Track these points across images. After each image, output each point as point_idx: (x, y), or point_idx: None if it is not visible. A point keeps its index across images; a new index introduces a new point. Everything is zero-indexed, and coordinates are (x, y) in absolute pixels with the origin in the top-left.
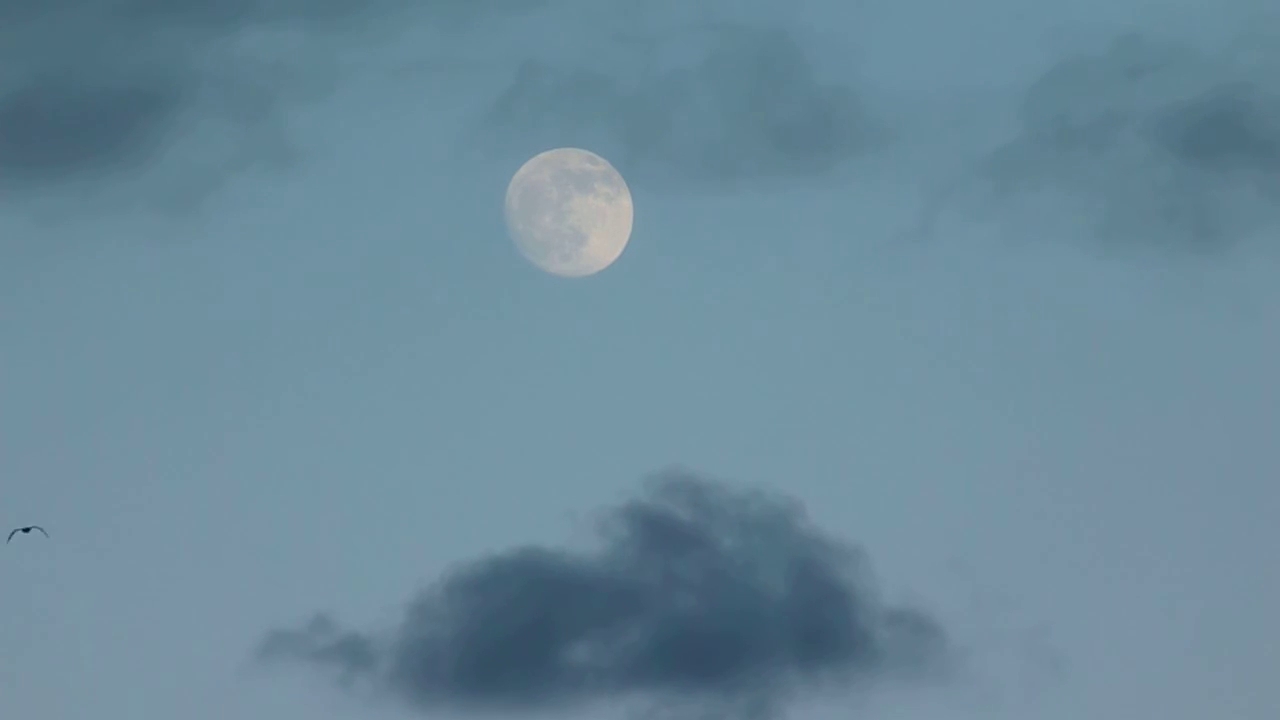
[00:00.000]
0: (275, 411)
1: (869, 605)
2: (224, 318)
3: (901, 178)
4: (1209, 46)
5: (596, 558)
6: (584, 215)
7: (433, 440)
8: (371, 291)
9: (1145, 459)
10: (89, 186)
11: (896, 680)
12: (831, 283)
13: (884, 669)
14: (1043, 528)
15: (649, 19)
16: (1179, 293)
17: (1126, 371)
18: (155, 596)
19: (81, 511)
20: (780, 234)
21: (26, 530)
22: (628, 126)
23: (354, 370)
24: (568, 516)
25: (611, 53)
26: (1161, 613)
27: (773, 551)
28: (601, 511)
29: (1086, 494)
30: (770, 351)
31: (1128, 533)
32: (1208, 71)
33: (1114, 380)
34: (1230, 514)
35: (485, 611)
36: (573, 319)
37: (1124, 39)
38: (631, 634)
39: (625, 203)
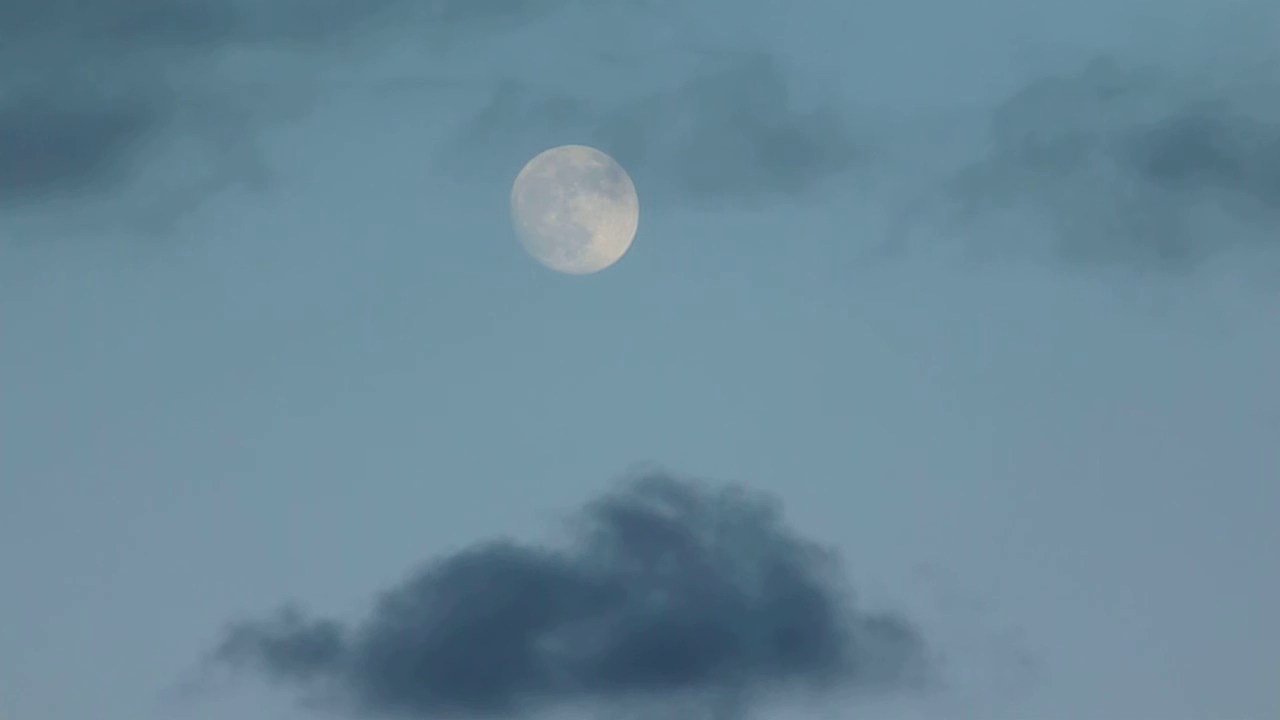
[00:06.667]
0: (257, 424)
1: (844, 609)
2: (201, 337)
3: (875, 195)
4: (1182, 69)
5: (574, 554)
6: (589, 213)
7: (420, 437)
8: (352, 309)
9: (1116, 470)
10: (65, 206)
11: (870, 684)
12: (808, 295)
13: (858, 673)
14: (1016, 536)
15: (631, 40)
16: (1146, 309)
17: (1095, 384)
18: (134, 596)
19: (73, 518)
20: (760, 248)
21: None
22: (610, 144)
23: (339, 378)
24: (548, 513)
25: (594, 72)
26: (1135, 619)
27: (748, 554)
28: (584, 509)
29: (1061, 503)
30: (752, 357)
31: (1100, 543)
32: (1179, 93)
33: (1082, 392)
34: (1201, 521)
35: (454, 609)
36: (556, 323)
37: (1097, 60)
38: (602, 633)
39: (631, 200)
